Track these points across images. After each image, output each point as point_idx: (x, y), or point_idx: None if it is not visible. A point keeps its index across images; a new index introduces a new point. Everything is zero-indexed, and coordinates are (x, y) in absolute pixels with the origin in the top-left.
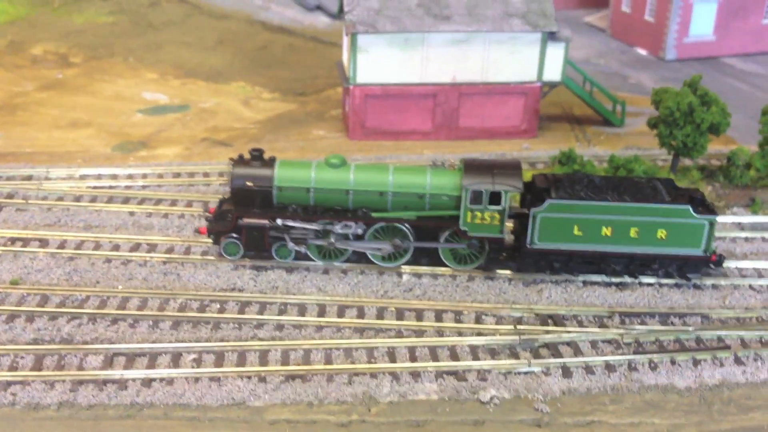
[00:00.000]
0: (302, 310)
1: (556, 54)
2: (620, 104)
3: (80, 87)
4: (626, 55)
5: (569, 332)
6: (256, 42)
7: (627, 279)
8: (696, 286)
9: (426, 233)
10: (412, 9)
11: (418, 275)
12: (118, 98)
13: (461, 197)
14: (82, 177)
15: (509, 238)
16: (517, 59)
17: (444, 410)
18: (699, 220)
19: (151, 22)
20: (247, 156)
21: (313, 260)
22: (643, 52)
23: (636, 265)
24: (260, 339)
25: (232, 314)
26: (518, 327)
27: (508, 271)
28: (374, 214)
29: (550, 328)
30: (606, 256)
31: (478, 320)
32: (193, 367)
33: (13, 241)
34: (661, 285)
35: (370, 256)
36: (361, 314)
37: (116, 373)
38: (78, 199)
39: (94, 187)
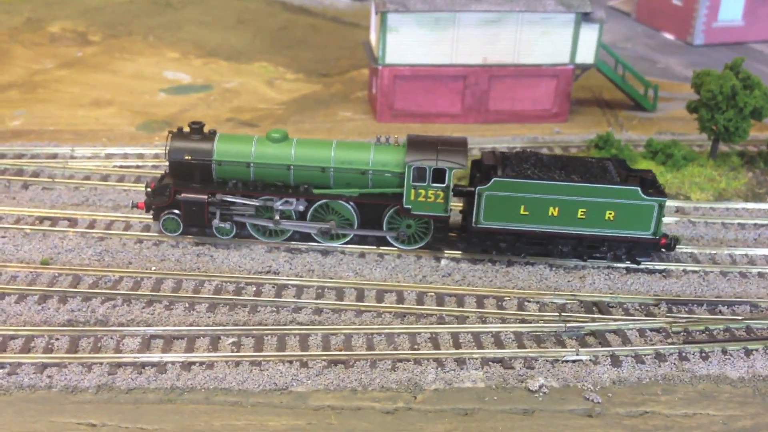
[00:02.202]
0: (340, 294)
1: (589, 36)
2: (652, 88)
3: (100, 65)
4: (653, 39)
5: (616, 320)
6: (276, 22)
7: (668, 266)
8: (742, 275)
9: (370, 210)
10: None
11: (457, 260)
12: (139, 77)
13: (404, 174)
14: (108, 156)
15: (459, 217)
16: (549, 41)
17: (492, 398)
18: (648, 201)
19: (169, 1)
20: (186, 129)
21: (255, 237)
22: (670, 36)
23: (584, 247)
24: (299, 323)
25: (269, 297)
26: (563, 314)
27: (457, 252)
28: (316, 191)
29: (596, 315)
30: (553, 237)
31: (520, 307)
32: (232, 351)
33: (41, 220)
34: (706, 273)
35: (313, 235)
36: (400, 299)
37: (155, 356)
38: (105, 178)
39: (121, 167)
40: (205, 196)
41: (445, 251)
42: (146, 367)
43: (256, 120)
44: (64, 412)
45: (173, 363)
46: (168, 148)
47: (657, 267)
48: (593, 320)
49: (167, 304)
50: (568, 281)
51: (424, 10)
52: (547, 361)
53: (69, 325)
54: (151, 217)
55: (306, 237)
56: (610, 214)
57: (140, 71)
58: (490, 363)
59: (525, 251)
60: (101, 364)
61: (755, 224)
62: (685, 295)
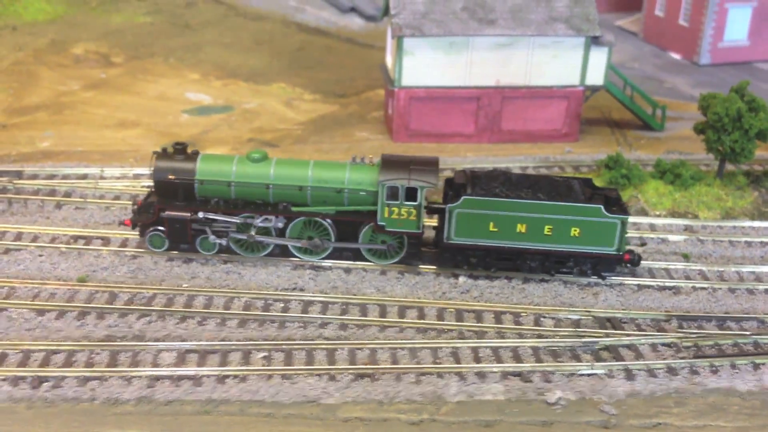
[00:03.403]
0: (364, 310)
1: (599, 58)
2: (660, 109)
3: (124, 87)
4: (660, 59)
5: (629, 335)
6: (292, 43)
7: (678, 282)
8: (749, 291)
9: (347, 227)
10: (458, 13)
11: (474, 277)
12: (162, 98)
13: (378, 193)
14: (136, 176)
15: (432, 233)
16: (560, 63)
17: (512, 411)
18: (611, 219)
19: (188, 22)
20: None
21: (237, 253)
22: (676, 56)
23: (551, 263)
24: (326, 338)
25: (297, 313)
26: (578, 329)
27: (432, 267)
28: (294, 209)
29: (609, 331)
30: (522, 252)
31: (536, 322)
32: (264, 365)
33: (75, 239)
34: (714, 289)
35: (291, 250)
36: (421, 315)
37: (191, 370)
38: (134, 198)
39: (150, 187)
40: (188, 214)
41: (419, 266)
42: (183, 380)
43: (277, 140)
44: (107, 424)
45: (208, 376)
46: (152, 167)
47: (667, 284)
48: (607, 335)
49: (200, 319)
50: (582, 298)
51: (439, 35)
52: (563, 374)
53: (108, 340)
54: (138, 233)
55: (286, 252)
56: (575, 230)
57: (163, 92)
58: (510, 376)
59: (494, 266)
60: (140, 377)
61: (761, 242)
62: (695, 311)
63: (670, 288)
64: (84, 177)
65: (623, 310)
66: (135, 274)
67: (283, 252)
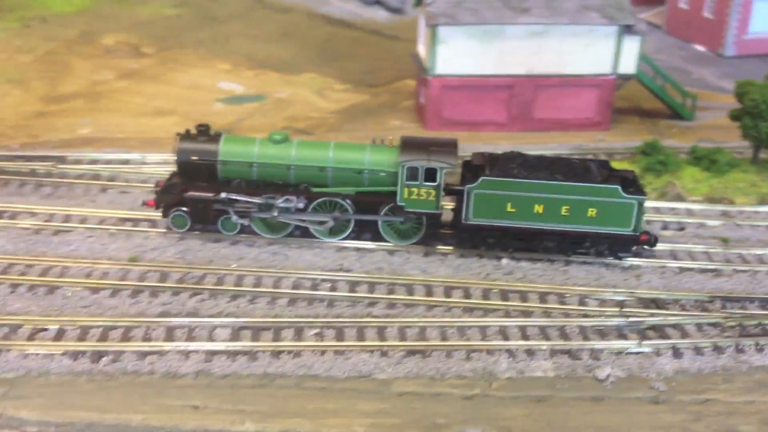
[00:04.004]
0: (410, 290)
1: (631, 47)
2: (691, 98)
3: (157, 76)
4: (685, 51)
5: (674, 315)
6: (319, 35)
7: (719, 265)
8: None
9: (366, 209)
10: (492, 1)
11: (517, 259)
12: (195, 88)
13: (398, 173)
14: None
15: (450, 214)
16: (592, 52)
17: (562, 386)
18: (628, 199)
19: (215, 15)
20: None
21: (257, 234)
22: (701, 48)
23: (568, 243)
24: (375, 316)
25: (345, 293)
26: (623, 309)
27: (448, 247)
28: (315, 189)
29: (654, 311)
30: (539, 233)
31: (582, 303)
32: (316, 341)
33: (123, 221)
34: (755, 272)
35: (312, 231)
36: (467, 295)
37: (246, 345)
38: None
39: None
40: (211, 194)
41: (438, 246)
42: (239, 355)
43: (310, 128)
44: (168, 395)
45: (263, 351)
46: (176, 148)
47: (708, 267)
48: (652, 315)
49: (250, 298)
50: (625, 279)
51: (473, 23)
52: (611, 352)
53: (163, 316)
54: (161, 214)
55: (306, 233)
56: (592, 211)
57: (196, 82)
58: (559, 354)
59: (512, 246)
60: (197, 351)
61: None
62: (737, 292)
63: (711, 270)
64: (126, 162)
65: (666, 291)
66: (183, 254)
67: (304, 233)
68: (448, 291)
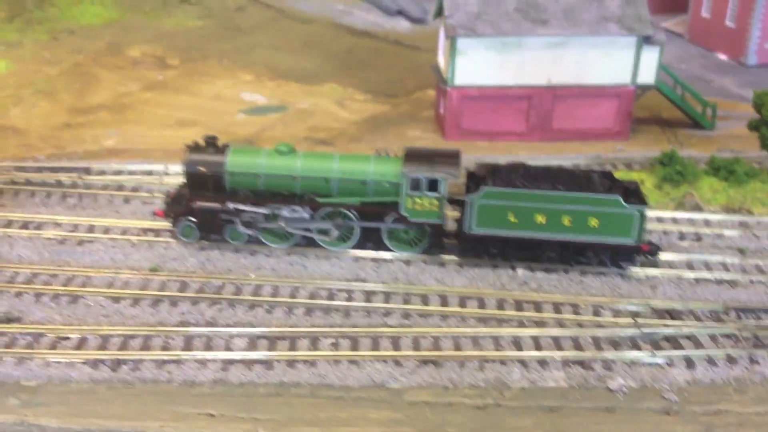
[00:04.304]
0: (425, 300)
1: (650, 57)
2: (711, 107)
3: (181, 88)
4: (706, 59)
5: (688, 326)
6: (341, 45)
7: (735, 276)
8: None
9: (371, 219)
10: (510, 13)
11: (532, 269)
12: (218, 99)
13: (401, 184)
14: None
15: (454, 224)
16: (611, 62)
17: (575, 397)
18: (629, 210)
19: (238, 26)
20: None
21: (264, 243)
22: (723, 57)
23: (570, 253)
24: (390, 326)
25: (360, 302)
26: (637, 320)
27: (452, 257)
28: (320, 200)
29: (668, 321)
30: (541, 243)
31: (596, 313)
32: (331, 351)
33: (145, 231)
34: None
35: (317, 240)
36: (482, 305)
37: (262, 354)
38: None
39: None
40: (218, 205)
41: (442, 256)
42: (255, 364)
43: (331, 139)
44: (185, 403)
45: (279, 361)
46: (185, 160)
47: (725, 277)
48: (666, 326)
49: (268, 308)
50: (640, 290)
51: (492, 35)
52: (624, 363)
53: (182, 325)
54: (170, 224)
55: (312, 243)
56: (594, 221)
57: (219, 93)
58: (571, 364)
59: (514, 256)
60: (215, 361)
61: None
62: (753, 303)
63: (727, 281)
64: (149, 173)
65: (681, 301)
66: (203, 264)
67: (309, 243)
68: (462, 301)
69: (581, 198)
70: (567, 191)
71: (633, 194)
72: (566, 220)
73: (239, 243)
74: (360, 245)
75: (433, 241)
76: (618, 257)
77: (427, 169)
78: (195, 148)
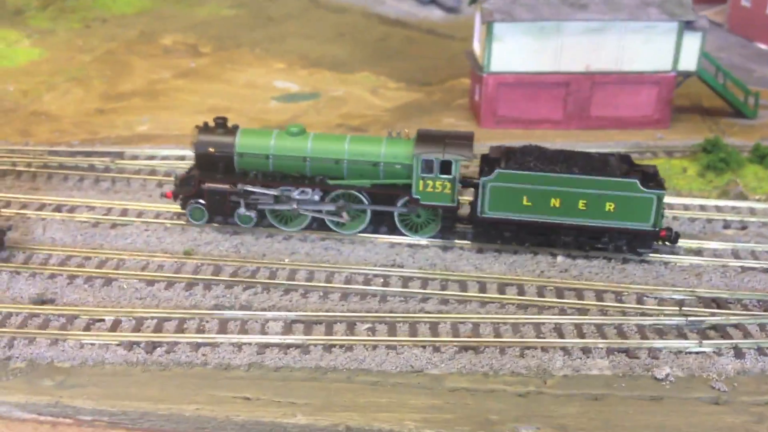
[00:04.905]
0: (463, 286)
1: (692, 43)
2: (753, 96)
3: (213, 75)
4: (747, 49)
5: (735, 315)
6: (374, 34)
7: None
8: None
9: (383, 201)
10: None
11: (573, 257)
12: (250, 86)
13: (413, 166)
14: None
15: (467, 207)
16: (652, 48)
17: (620, 385)
18: (647, 194)
19: (270, 15)
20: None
21: (274, 226)
22: (763, 46)
23: (585, 238)
24: (427, 312)
25: (397, 288)
26: (682, 308)
27: (465, 241)
28: (331, 182)
29: (715, 310)
30: (555, 227)
31: (639, 301)
32: (368, 335)
33: (178, 215)
34: None
35: (328, 223)
36: (521, 292)
37: (298, 338)
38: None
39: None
40: (227, 186)
41: (455, 240)
42: (291, 348)
43: (365, 125)
44: (220, 387)
45: (315, 345)
46: (194, 141)
47: None
48: (712, 315)
49: (303, 292)
50: (684, 278)
51: (530, 20)
52: (671, 352)
53: (216, 309)
54: (179, 206)
55: (323, 226)
56: (610, 205)
57: (251, 81)
58: (615, 352)
59: (528, 241)
60: (250, 344)
61: None
62: None
63: None
64: (182, 158)
65: (728, 290)
66: (237, 248)
67: (320, 225)
68: (501, 288)
69: (597, 181)
70: (582, 174)
71: (652, 178)
72: (581, 204)
73: (248, 226)
74: (372, 229)
75: (445, 224)
76: (635, 243)
77: (439, 151)
78: (205, 128)
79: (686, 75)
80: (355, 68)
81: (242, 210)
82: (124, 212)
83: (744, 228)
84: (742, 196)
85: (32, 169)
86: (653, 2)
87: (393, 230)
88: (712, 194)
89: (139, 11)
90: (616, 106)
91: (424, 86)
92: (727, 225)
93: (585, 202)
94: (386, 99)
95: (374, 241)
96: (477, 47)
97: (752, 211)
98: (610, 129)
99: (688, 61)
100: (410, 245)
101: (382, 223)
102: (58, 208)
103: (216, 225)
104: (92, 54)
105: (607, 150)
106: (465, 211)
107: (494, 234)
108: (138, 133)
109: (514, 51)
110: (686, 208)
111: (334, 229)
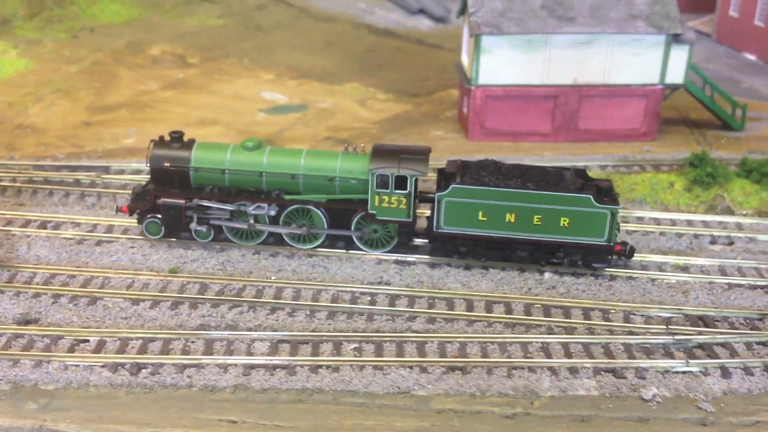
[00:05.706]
0: (450, 304)
1: (679, 56)
2: (741, 108)
3: (201, 86)
4: (734, 60)
5: (722, 333)
6: (363, 44)
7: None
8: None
9: (339, 216)
10: (536, 11)
11: (560, 273)
12: (239, 98)
13: (369, 181)
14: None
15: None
16: (639, 61)
17: (606, 406)
18: (600, 209)
19: (259, 24)
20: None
21: (231, 240)
22: (751, 57)
23: (541, 253)
24: (414, 331)
25: (384, 306)
26: (669, 327)
27: (424, 256)
28: (287, 197)
29: (702, 329)
30: (511, 242)
31: (626, 319)
32: (355, 356)
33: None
34: None
35: (285, 238)
36: (509, 310)
37: (284, 359)
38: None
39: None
40: (183, 201)
41: (411, 256)
42: (277, 369)
43: (353, 138)
44: (205, 410)
45: (302, 366)
46: (149, 155)
47: (759, 283)
48: (699, 333)
49: (289, 311)
50: (672, 296)
51: (518, 33)
52: (657, 371)
53: (202, 329)
54: (136, 220)
55: (280, 241)
56: (565, 221)
57: (239, 92)
58: (602, 372)
59: (484, 256)
60: (236, 365)
61: None
62: None
63: (762, 287)
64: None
65: (715, 308)
66: (224, 265)
67: (277, 240)
68: (489, 306)
69: (551, 197)
70: (537, 189)
71: (606, 193)
72: (536, 219)
73: (205, 241)
74: (329, 244)
75: (401, 239)
76: (590, 258)
77: (394, 166)
78: (160, 142)
79: (674, 88)
80: (344, 79)
81: (193, 225)
82: (109, 229)
83: (731, 243)
84: (729, 211)
85: (17, 184)
86: (640, 15)
87: (350, 245)
88: (699, 209)
89: (126, 20)
90: (603, 119)
91: (413, 97)
92: (713, 240)
93: (540, 217)
94: (375, 111)
95: (361, 257)
96: (465, 60)
97: (739, 226)
98: (598, 142)
99: (676, 74)
100: (397, 262)
101: (338, 238)
102: (43, 225)
103: (203, 241)
104: (79, 65)
105: (595, 163)
106: (424, 224)
107: (450, 249)
108: (124, 146)
109: (502, 64)
110: (673, 223)
111: (291, 244)
